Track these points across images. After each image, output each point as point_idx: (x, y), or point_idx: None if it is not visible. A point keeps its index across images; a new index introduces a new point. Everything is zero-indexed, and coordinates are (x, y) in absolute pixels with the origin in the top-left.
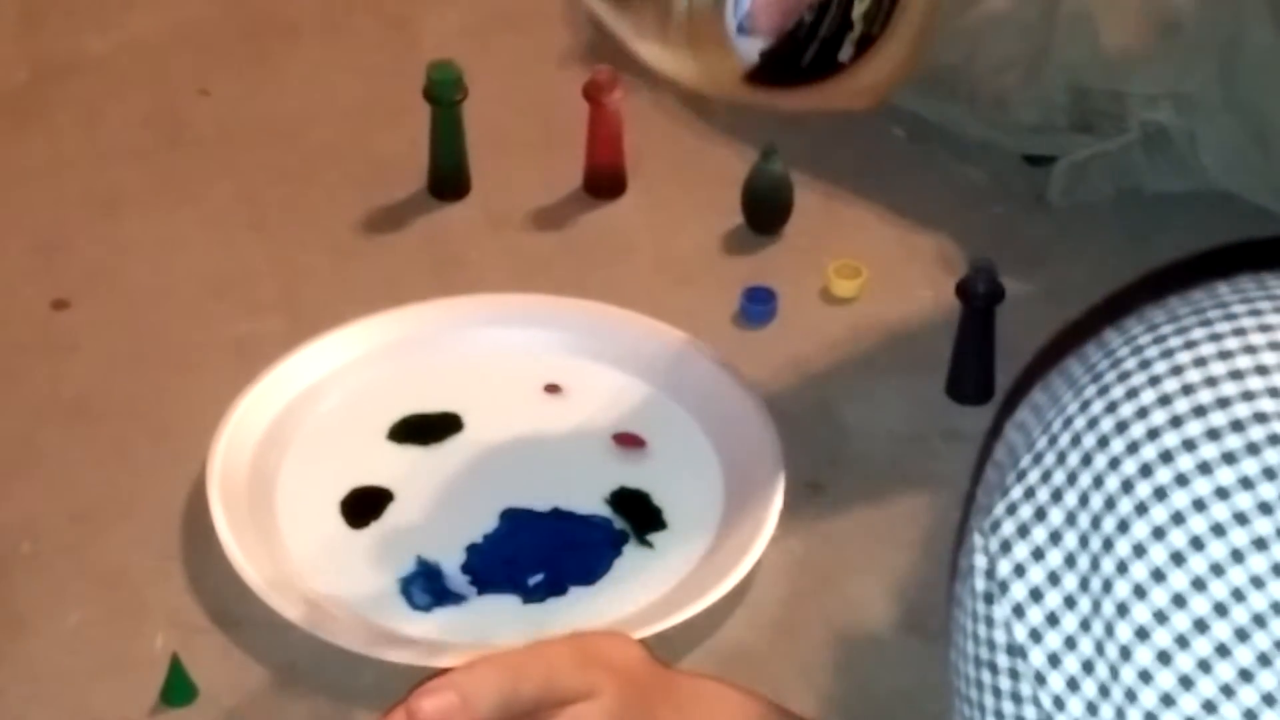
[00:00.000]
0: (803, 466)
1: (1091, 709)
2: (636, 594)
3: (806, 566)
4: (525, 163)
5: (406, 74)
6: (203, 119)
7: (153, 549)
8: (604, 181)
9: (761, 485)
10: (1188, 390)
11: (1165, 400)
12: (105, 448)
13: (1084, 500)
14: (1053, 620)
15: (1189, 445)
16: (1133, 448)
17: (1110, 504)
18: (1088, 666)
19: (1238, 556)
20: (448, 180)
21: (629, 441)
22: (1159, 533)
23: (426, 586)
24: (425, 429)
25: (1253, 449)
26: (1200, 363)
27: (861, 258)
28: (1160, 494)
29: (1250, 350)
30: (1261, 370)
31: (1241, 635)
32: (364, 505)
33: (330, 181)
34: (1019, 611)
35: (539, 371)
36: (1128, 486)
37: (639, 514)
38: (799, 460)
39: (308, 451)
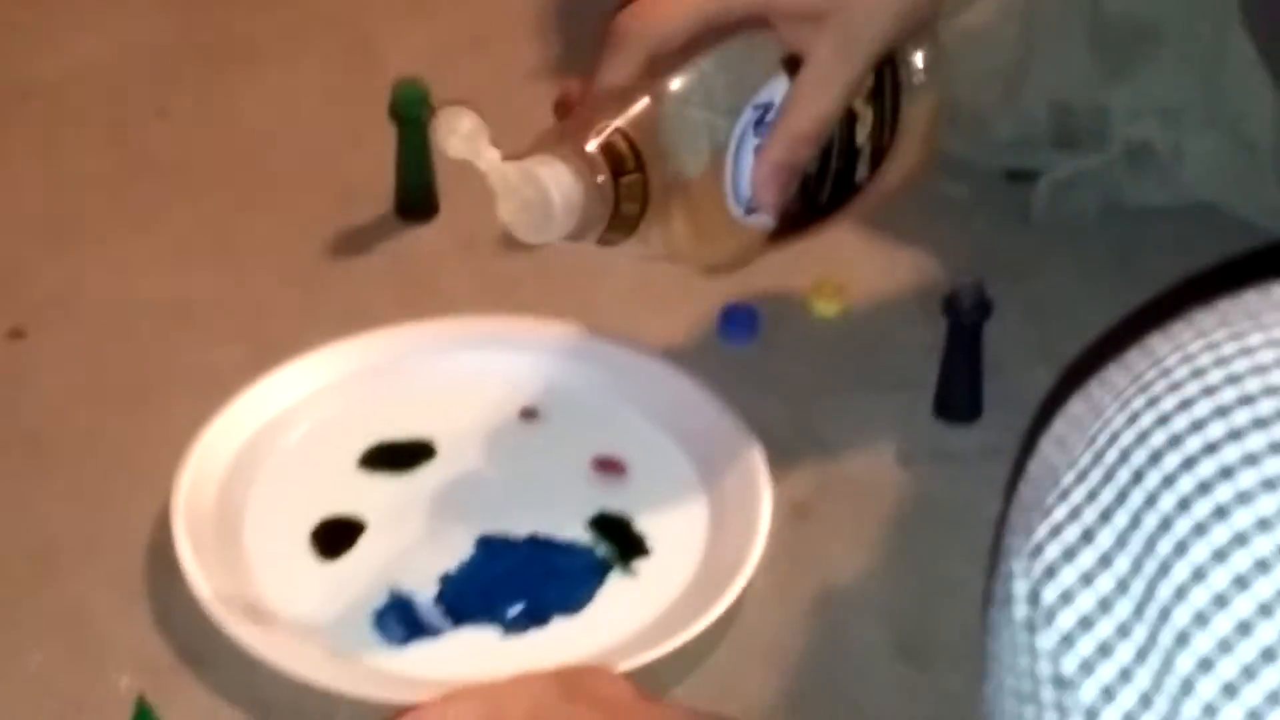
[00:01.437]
0: (788, 489)
1: None
2: (621, 623)
3: (795, 592)
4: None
5: (371, 94)
6: (161, 143)
7: (116, 586)
8: None
9: (747, 509)
10: (1246, 401)
11: (1223, 412)
12: (64, 481)
13: (1136, 521)
14: (1105, 651)
15: (1250, 460)
16: (1189, 463)
17: (1166, 524)
18: (1145, 701)
19: None
20: (415, 201)
21: (609, 466)
22: (1220, 555)
23: (400, 619)
24: (397, 457)
25: None
26: (1259, 371)
27: (843, 276)
28: (1221, 513)
29: None
30: None
31: None
32: (335, 536)
33: (294, 205)
34: (1068, 641)
35: (513, 396)
36: (1184, 505)
37: (621, 540)
38: (784, 483)
39: (276, 482)
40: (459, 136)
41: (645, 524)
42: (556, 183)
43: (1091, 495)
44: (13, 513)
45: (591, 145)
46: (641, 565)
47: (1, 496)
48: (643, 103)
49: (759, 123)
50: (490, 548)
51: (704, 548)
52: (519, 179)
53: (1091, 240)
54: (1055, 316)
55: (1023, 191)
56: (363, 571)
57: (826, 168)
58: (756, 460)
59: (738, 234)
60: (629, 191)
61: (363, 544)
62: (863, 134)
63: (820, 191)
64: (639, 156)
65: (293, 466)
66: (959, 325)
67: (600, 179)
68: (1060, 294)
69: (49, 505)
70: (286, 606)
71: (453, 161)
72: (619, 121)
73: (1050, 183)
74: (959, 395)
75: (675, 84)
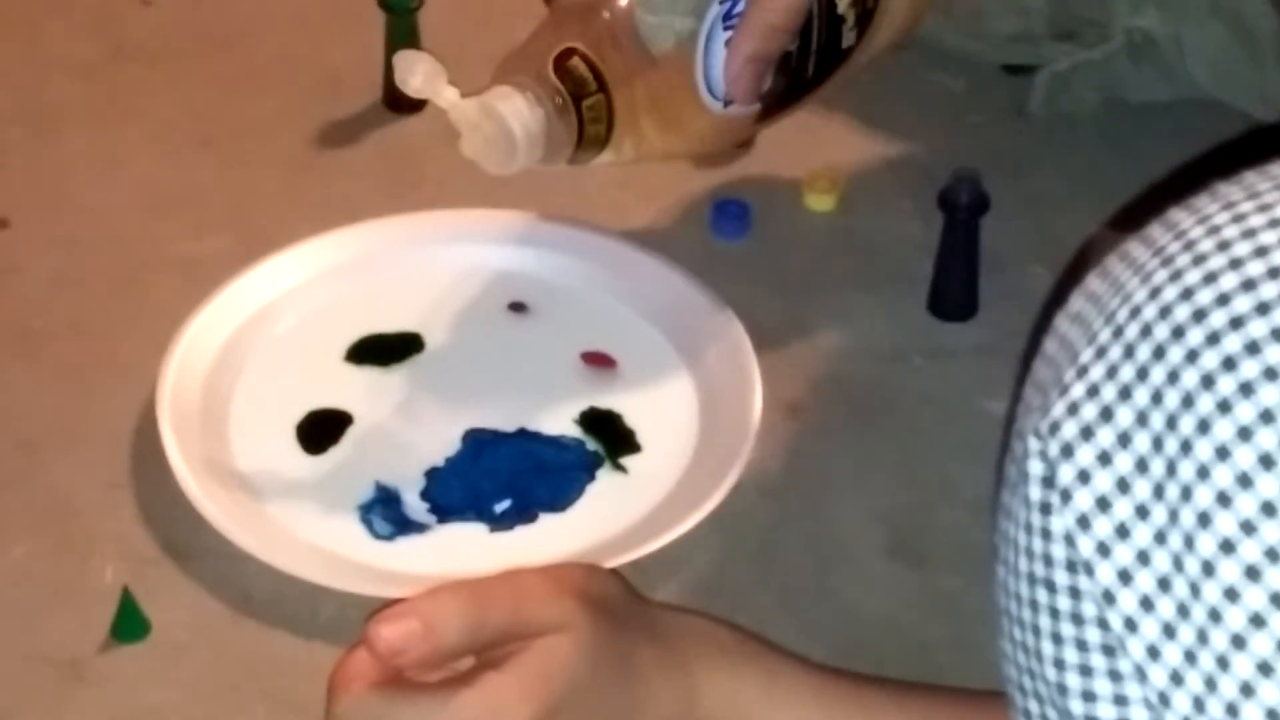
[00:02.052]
0: (779, 387)
1: (1169, 631)
2: (608, 521)
3: (785, 491)
4: (485, 73)
5: None
6: (146, 30)
7: (101, 477)
8: None
9: (737, 407)
10: (1274, 274)
11: (1249, 285)
12: (49, 372)
13: (1157, 398)
14: (1123, 532)
15: (1277, 335)
16: (1213, 338)
17: (1188, 402)
18: (1164, 584)
19: None
20: (403, 91)
21: (599, 361)
22: (1245, 433)
23: (386, 514)
24: (384, 349)
25: None
26: None
27: (837, 169)
28: (1246, 390)
29: None
30: None
31: None
32: (321, 429)
33: (281, 94)
34: (1084, 523)
35: (503, 290)
36: (1208, 382)
37: (611, 436)
38: (775, 380)
39: (262, 374)
40: (418, 78)
41: (634, 420)
42: (516, 115)
43: (1111, 372)
44: None
45: (549, 71)
46: (630, 463)
47: None
48: (603, 17)
49: (727, 15)
50: (479, 442)
51: (694, 445)
52: (479, 115)
53: (1090, 134)
54: (1053, 212)
55: (1021, 85)
56: (349, 465)
57: (809, 43)
58: (748, 357)
59: (717, 126)
60: (592, 114)
61: (349, 437)
62: (844, 2)
63: (805, 67)
64: (600, 77)
65: (279, 359)
66: (955, 220)
67: (559, 102)
68: (1058, 189)
69: (33, 396)
70: (272, 499)
71: (442, 53)
72: (577, 42)
73: (1049, 76)
74: (954, 292)
75: None
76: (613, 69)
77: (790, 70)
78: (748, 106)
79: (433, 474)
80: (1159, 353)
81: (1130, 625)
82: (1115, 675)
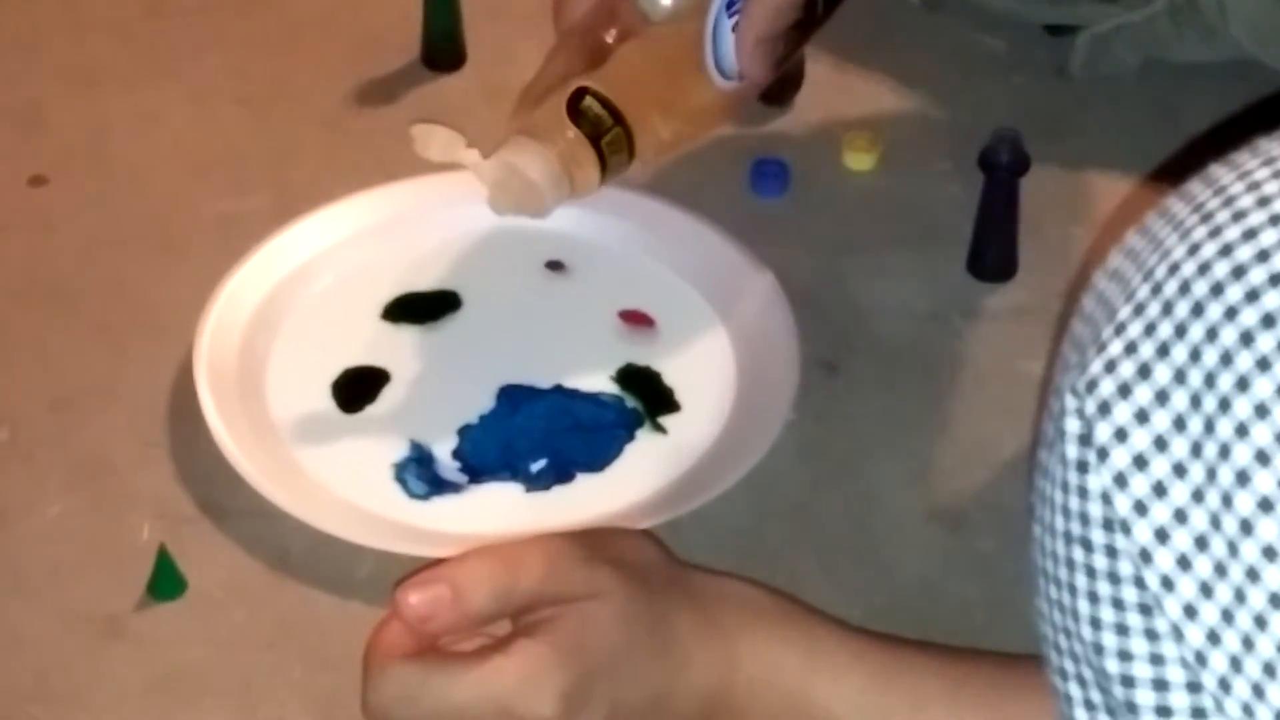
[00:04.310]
0: (817, 347)
1: (1206, 590)
2: (645, 481)
3: (823, 451)
4: (523, 32)
5: None
6: None
7: (137, 436)
8: None
9: (775, 367)
10: None
11: None
12: (86, 331)
13: (1195, 355)
14: (1160, 491)
15: None
16: (1252, 295)
17: (1227, 359)
18: (1201, 542)
19: None
20: (442, 51)
21: (637, 320)
22: None
23: (419, 473)
24: (421, 308)
25: None
26: None
27: (876, 129)
28: None
29: None
30: None
31: None
32: (357, 387)
33: (319, 53)
34: (1120, 481)
35: (540, 248)
36: (1247, 339)
37: (651, 394)
38: (814, 340)
39: (298, 333)
40: (435, 149)
41: (672, 380)
42: (536, 165)
43: (1149, 329)
44: (34, 362)
45: (564, 116)
46: (667, 422)
47: (23, 346)
48: (610, 43)
49: (730, 3)
50: (513, 398)
51: (731, 405)
52: (501, 171)
53: (1131, 96)
54: (1093, 173)
55: (1062, 46)
56: (385, 423)
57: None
58: (786, 317)
59: (730, 100)
60: (613, 147)
61: (385, 396)
62: None
63: (814, 9)
64: (614, 111)
65: (316, 317)
66: (995, 180)
67: (579, 146)
68: (1099, 151)
69: (70, 355)
70: (308, 458)
71: (481, 12)
72: (587, 81)
73: (1090, 37)
74: (994, 253)
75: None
76: (624, 94)
77: (800, 22)
78: (761, 80)
79: (465, 431)
80: (1197, 310)
81: (1167, 584)
82: (1152, 634)
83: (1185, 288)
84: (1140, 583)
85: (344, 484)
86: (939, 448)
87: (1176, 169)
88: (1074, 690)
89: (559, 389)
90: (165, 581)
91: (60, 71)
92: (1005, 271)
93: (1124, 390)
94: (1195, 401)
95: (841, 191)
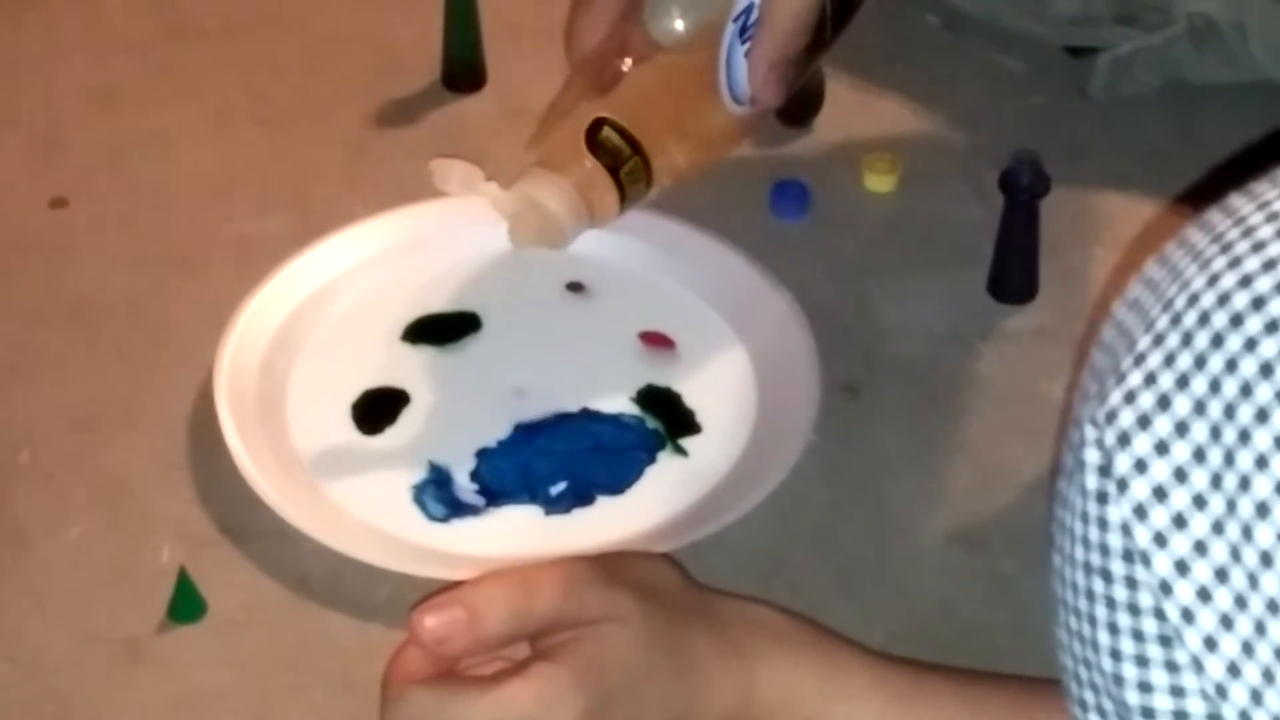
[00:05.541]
0: (838, 369)
1: (1226, 622)
2: (666, 504)
3: (844, 473)
4: (543, 52)
5: None
6: (205, 8)
7: (158, 458)
8: None
9: (796, 389)
10: None
11: None
12: (107, 352)
13: (1215, 387)
14: (1180, 522)
15: None
16: (1272, 327)
17: (1246, 391)
18: (1221, 575)
19: None
20: (462, 71)
21: (657, 341)
22: None
23: (438, 495)
24: (441, 329)
25: None
26: None
27: (896, 150)
28: None
29: None
30: None
31: None
32: (377, 408)
33: (339, 73)
34: (1140, 513)
35: (560, 269)
36: (1266, 371)
37: (671, 416)
38: (834, 362)
39: (318, 354)
40: (453, 184)
41: (693, 402)
42: (555, 197)
43: (1168, 360)
44: (55, 383)
45: (582, 147)
46: (690, 443)
47: (43, 367)
48: (624, 71)
49: (742, 30)
50: (530, 427)
51: (752, 427)
52: (521, 204)
53: (1152, 118)
54: (1114, 195)
55: (1083, 67)
56: (405, 445)
57: (824, 15)
58: (807, 338)
59: (746, 124)
60: (631, 177)
61: (405, 417)
62: None
63: (824, 32)
64: (632, 140)
65: (336, 339)
66: (1016, 202)
67: (598, 177)
68: (1119, 172)
69: (91, 376)
70: (329, 480)
71: (502, 33)
72: (604, 111)
73: (1111, 59)
74: (1014, 274)
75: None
76: (640, 122)
77: (810, 45)
78: (774, 103)
79: (483, 454)
80: (1217, 341)
81: (1187, 616)
82: (1172, 666)
83: (1205, 319)
84: (1160, 614)
85: (363, 506)
86: (960, 469)
87: (1199, 195)
88: None
89: (584, 412)
90: (185, 604)
91: (81, 93)
92: (1026, 293)
93: (1144, 421)
94: (1215, 433)
95: (862, 213)
